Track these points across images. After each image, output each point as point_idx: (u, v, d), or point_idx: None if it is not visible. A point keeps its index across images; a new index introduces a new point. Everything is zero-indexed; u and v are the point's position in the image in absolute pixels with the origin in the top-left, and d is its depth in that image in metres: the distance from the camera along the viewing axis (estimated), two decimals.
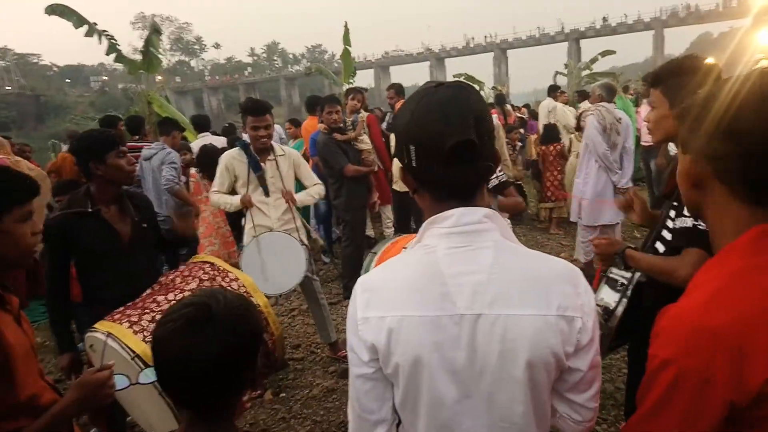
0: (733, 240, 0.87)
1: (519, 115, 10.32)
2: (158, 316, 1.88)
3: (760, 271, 0.81)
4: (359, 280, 1.02)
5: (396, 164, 4.89)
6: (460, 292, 0.92)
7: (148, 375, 1.52)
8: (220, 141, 6.36)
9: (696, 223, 1.57)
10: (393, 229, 5.95)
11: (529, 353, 0.91)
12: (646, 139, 6.77)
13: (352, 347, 0.99)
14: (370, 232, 6.18)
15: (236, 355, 1.04)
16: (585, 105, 8.77)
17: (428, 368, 0.93)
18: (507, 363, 0.92)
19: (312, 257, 3.64)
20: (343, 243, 4.83)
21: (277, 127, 6.62)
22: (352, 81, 10.34)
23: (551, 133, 6.90)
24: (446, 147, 0.89)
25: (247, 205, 3.38)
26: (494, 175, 2.82)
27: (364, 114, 5.25)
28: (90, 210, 2.28)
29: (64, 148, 6.77)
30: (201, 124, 6.83)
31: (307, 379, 3.57)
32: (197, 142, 6.19)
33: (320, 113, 4.68)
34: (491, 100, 9.58)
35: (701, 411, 0.78)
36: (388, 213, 5.96)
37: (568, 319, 0.92)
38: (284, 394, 3.40)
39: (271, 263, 3.31)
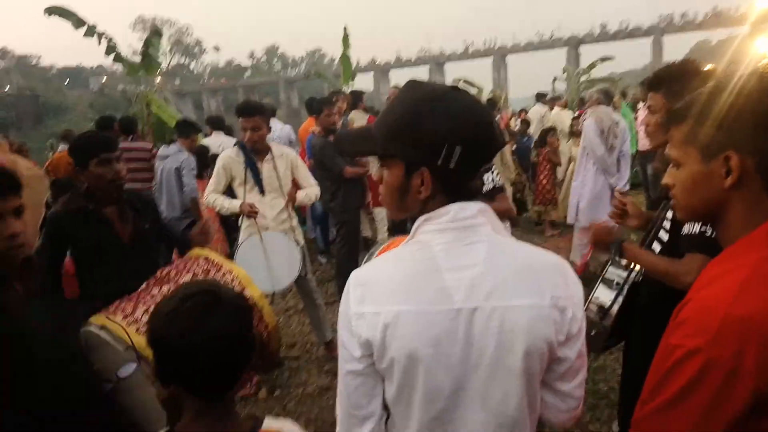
0: (748, 232, 0.88)
1: (522, 119, 10.43)
2: (152, 308, 1.88)
3: None
4: (352, 274, 1.01)
5: None
6: (457, 286, 0.93)
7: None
8: (231, 141, 6.39)
9: (702, 229, 1.55)
10: (387, 231, 5.94)
11: (525, 343, 0.92)
12: (644, 144, 6.79)
13: (344, 343, 0.98)
14: (366, 233, 6.16)
15: (246, 335, 1.08)
16: (556, 111, 8.90)
17: (424, 363, 0.93)
18: (503, 354, 0.93)
19: (307, 257, 3.65)
20: (338, 244, 4.81)
21: (286, 127, 6.54)
22: (351, 84, 10.37)
23: (545, 137, 6.93)
24: (495, 150, 0.97)
25: (245, 212, 3.36)
26: (490, 179, 2.81)
27: (353, 116, 5.26)
28: (90, 208, 2.27)
29: (61, 147, 6.76)
30: (215, 123, 6.79)
31: (302, 378, 3.56)
32: (209, 140, 6.25)
33: (315, 117, 4.66)
34: None
35: (727, 401, 0.78)
36: (383, 215, 5.94)
37: (560, 309, 0.94)
38: (279, 392, 3.40)
39: (266, 261, 3.32)
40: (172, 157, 4.85)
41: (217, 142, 6.17)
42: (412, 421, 0.98)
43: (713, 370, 0.78)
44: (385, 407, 1.03)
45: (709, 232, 1.52)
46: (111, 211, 2.34)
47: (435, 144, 0.92)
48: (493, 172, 2.81)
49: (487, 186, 2.76)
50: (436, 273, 0.93)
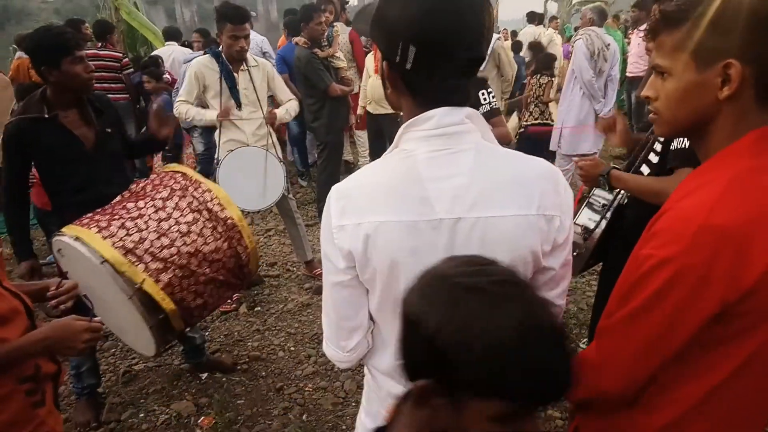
0: (730, 143, 0.84)
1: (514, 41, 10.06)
2: (128, 223, 1.82)
3: (763, 171, 0.81)
4: (333, 188, 0.97)
5: (372, 83, 4.66)
6: (439, 196, 0.88)
7: None
8: (183, 51, 6.10)
9: None
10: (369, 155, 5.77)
11: (509, 254, 0.89)
12: (632, 70, 6.64)
13: (328, 255, 0.96)
14: (348, 157, 5.99)
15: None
16: (550, 33, 8.47)
17: (405, 273, 0.90)
18: None
19: (288, 176, 3.56)
20: (319, 167, 4.68)
21: (258, 38, 6.07)
22: None
23: (546, 63, 6.60)
24: (457, 58, 0.85)
25: (223, 118, 3.21)
26: (486, 101, 2.67)
27: (338, 27, 4.88)
28: (46, 116, 2.12)
29: (18, 54, 6.35)
30: (171, 35, 6.62)
31: (282, 295, 3.61)
32: (161, 50, 6.11)
33: (303, 25, 4.30)
34: None
35: (694, 308, 0.78)
36: (364, 138, 5.76)
37: (547, 218, 0.90)
38: (259, 308, 3.45)
39: (248, 179, 3.22)
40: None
41: (168, 51, 6.07)
42: (395, 330, 0.97)
43: (684, 278, 0.77)
44: (371, 318, 1.03)
45: None
46: (71, 116, 2.20)
47: (391, 40, 0.86)
48: (489, 93, 2.65)
49: (483, 108, 2.62)
50: (417, 183, 0.89)
